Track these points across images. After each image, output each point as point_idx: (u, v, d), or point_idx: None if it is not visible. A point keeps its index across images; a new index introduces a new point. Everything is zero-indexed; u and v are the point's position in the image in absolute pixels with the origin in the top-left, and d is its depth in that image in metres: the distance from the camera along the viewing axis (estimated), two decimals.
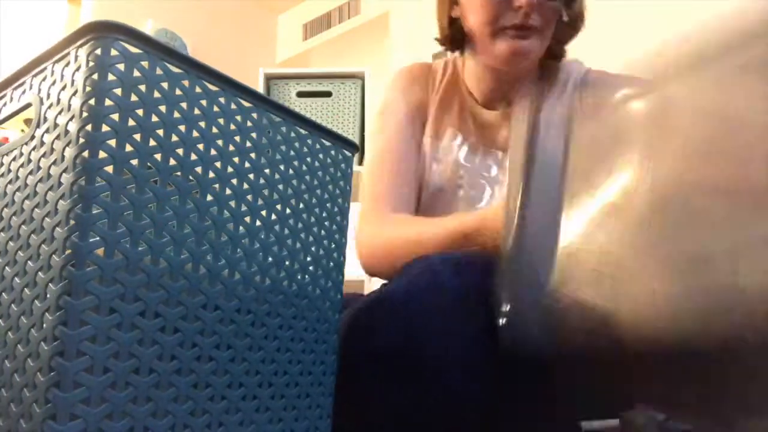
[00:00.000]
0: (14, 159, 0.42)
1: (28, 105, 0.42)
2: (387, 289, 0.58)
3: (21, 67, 0.44)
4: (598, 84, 0.86)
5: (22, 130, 0.66)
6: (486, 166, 0.86)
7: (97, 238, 0.36)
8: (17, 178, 0.41)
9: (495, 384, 0.50)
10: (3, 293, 0.39)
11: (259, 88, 1.94)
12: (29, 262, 0.38)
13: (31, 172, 0.40)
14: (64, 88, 0.39)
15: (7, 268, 0.40)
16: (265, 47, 3.33)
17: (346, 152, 0.57)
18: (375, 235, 0.82)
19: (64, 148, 0.37)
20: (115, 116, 0.37)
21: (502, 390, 0.50)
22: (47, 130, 0.40)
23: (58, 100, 0.39)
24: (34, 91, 0.42)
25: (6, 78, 0.45)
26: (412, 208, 0.87)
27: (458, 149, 0.87)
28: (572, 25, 0.83)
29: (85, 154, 0.36)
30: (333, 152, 0.55)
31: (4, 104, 0.46)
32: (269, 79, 1.97)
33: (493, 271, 0.52)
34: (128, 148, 0.38)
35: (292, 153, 0.50)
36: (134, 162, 0.38)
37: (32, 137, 0.41)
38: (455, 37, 0.88)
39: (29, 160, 0.41)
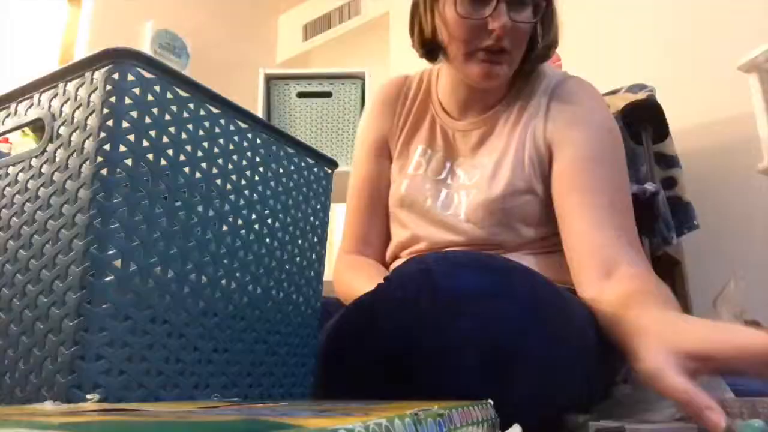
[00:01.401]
0: (23, 170, 0.44)
1: (38, 120, 0.45)
2: (379, 290, 0.60)
3: (28, 83, 0.46)
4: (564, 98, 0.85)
5: (24, 134, 0.66)
6: (453, 175, 0.89)
7: (114, 250, 0.39)
8: (27, 189, 0.44)
9: (489, 382, 0.52)
10: (14, 299, 0.42)
11: (260, 88, 1.93)
12: (44, 270, 0.40)
13: (43, 185, 0.43)
14: (79, 107, 0.42)
15: (18, 275, 0.42)
16: (265, 47, 3.30)
17: (327, 169, 0.61)
18: (336, 273, 0.93)
19: (80, 165, 0.40)
20: (131, 137, 0.41)
21: (494, 386, 0.52)
22: (61, 146, 0.42)
23: (73, 118, 0.42)
24: (44, 107, 0.45)
25: (10, 91, 0.47)
26: (377, 242, 0.95)
27: (426, 164, 0.91)
28: (545, 49, 0.84)
29: (104, 171, 0.39)
30: (315, 169, 0.60)
31: (8, 115, 0.48)
32: (269, 79, 1.96)
33: (487, 271, 0.56)
34: (142, 166, 0.41)
35: (281, 170, 0.54)
36: (147, 179, 0.42)
37: (43, 151, 0.43)
38: (429, 47, 0.88)
39: (40, 173, 0.43)
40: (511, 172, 0.82)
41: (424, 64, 0.96)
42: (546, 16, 0.82)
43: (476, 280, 0.55)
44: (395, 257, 0.93)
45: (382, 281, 0.61)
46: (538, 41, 0.82)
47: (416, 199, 0.89)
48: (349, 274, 0.90)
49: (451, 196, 0.87)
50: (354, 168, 0.99)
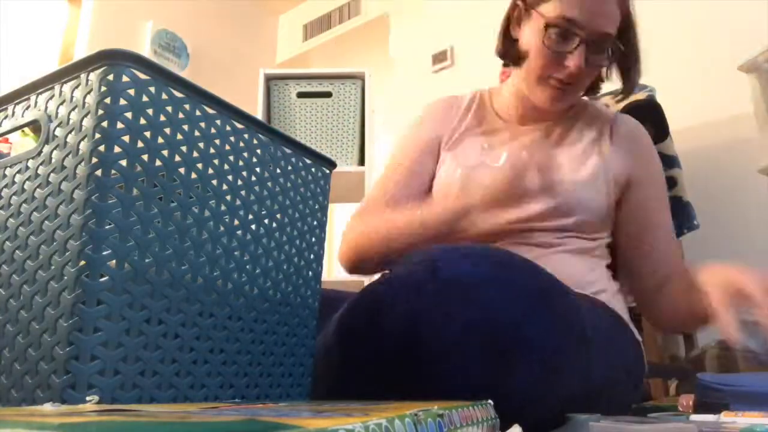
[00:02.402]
0: (19, 172, 0.44)
1: (35, 121, 0.45)
2: (385, 280, 0.61)
3: (24, 84, 0.46)
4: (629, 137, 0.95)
5: (23, 133, 0.66)
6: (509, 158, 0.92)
7: (109, 251, 0.39)
8: (23, 190, 0.44)
9: (490, 367, 0.53)
10: (11, 299, 0.42)
11: (260, 88, 1.93)
12: (39, 271, 0.40)
13: (39, 186, 0.43)
14: (74, 108, 0.42)
15: (14, 275, 0.42)
16: (265, 48, 3.31)
17: (325, 170, 0.61)
18: (358, 229, 0.92)
19: (76, 166, 0.40)
20: (126, 138, 0.41)
21: (495, 372, 0.53)
22: (56, 147, 0.42)
23: (68, 120, 0.42)
24: (41, 108, 0.45)
25: (7, 93, 0.47)
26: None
27: (485, 155, 0.93)
28: (627, 90, 0.95)
29: (98, 172, 0.39)
30: (313, 170, 0.60)
31: (5, 117, 0.48)
32: (269, 79, 1.96)
33: (489, 260, 0.57)
34: (137, 167, 0.41)
35: (278, 171, 0.54)
36: (142, 180, 0.42)
37: (39, 153, 0.43)
38: (511, 54, 0.94)
39: (37, 174, 0.43)
40: (579, 169, 0.88)
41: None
42: (627, 57, 0.90)
43: (478, 268, 0.56)
44: None
45: (389, 271, 0.61)
46: (603, 77, 0.92)
47: (469, 175, 0.90)
48: (386, 215, 0.90)
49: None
50: (397, 150, 1.00)
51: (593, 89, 0.95)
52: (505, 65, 0.98)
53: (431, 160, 0.98)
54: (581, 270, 0.85)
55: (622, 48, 0.87)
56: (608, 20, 0.84)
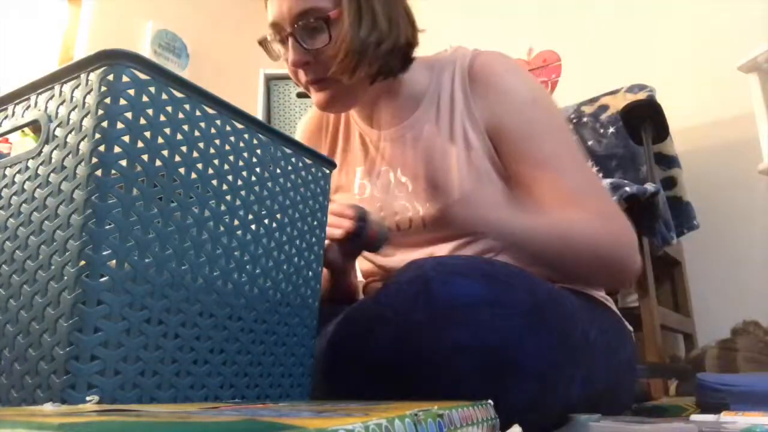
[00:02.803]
0: (19, 172, 0.44)
1: (35, 121, 0.45)
2: (377, 298, 0.60)
3: (24, 84, 0.46)
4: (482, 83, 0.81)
5: (23, 133, 0.66)
6: (400, 185, 0.86)
7: (109, 251, 0.39)
8: (23, 190, 0.44)
9: (485, 389, 0.51)
10: (11, 299, 0.42)
11: (260, 88, 1.93)
12: (39, 271, 0.40)
13: (39, 186, 0.43)
14: (74, 108, 0.42)
15: (14, 275, 0.42)
16: None
17: (325, 170, 0.61)
18: None
19: (76, 166, 0.40)
20: (126, 138, 0.41)
21: (491, 394, 0.52)
22: (57, 147, 0.42)
23: (68, 120, 0.42)
24: (41, 108, 0.45)
25: (8, 93, 0.47)
26: None
27: (371, 185, 0.88)
28: (390, 53, 0.77)
29: (98, 172, 0.39)
30: (313, 170, 0.60)
31: (5, 117, 0.48)
32: (269, 79, 1.96)
33: (484, 279, 0.56)
34: (137, 167, 0.41)
35: (278, 171, 0.54)
36: (142, 180, 0.42)
37: (39, 153, 0.43)
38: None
39: (37, 174, 0.43)
40: (459, 175, 0.79)
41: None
42: (362, 26, 0.75)
43: (472, 288, 0.55)
44: (367, 277, 0.93)
45: (382, 287, 0.61)
46: (367, 51, 0.75)
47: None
48: None
49: (406, 211, 0.83)
50: None
51: (385, 68, 0.78)
52: None
53: None
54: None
55: (332, 14, 0.73)
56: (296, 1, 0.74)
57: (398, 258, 0.85)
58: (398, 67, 0.80)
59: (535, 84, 0.83)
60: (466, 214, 0.78)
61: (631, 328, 0.85)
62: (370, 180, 0.88)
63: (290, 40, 0.75)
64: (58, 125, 0.43)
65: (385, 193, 0.86)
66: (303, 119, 0.99)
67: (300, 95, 1.94)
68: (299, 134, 0.98)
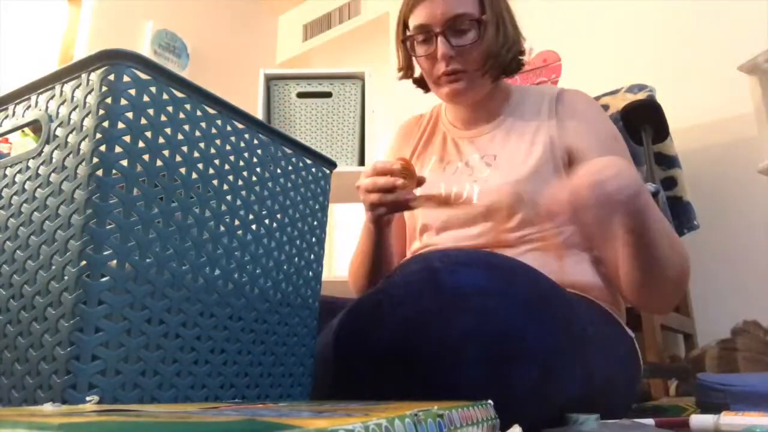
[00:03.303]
0: (20, 172, 0.44)
1: (36, 121, 0.45)
2: (384, 288, 0.61)
3: (25, 84, 0.46)
4: (569, 103, 0.94)
5: (23, 134, 0.66)
6: (469, 169, 0.94)
7: (110, 251, 0.39)
8: (24, 190, 0.44)
9: (490, 377, 0.53)
10: (12, 299, 0.42)
11: (260, 88, 1.92)
12: (40, 271, 0.40)
13: (40, 186, 0.43)
14: (75, 108, 0.42)
15: (15, 275, 0.42)
16: (265, 48, 3.31)
17: (325, 170, 0.61)
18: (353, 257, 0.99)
19: (76, 166, 0.40)
20: (127, 138, 0.41)
21: (495, 381, 0.53)
22: (57, 147, 0.42)
23: (69, 120, 0.42)
24: (41, 108, 0.45)
25: (8, 93, 0.47)
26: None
27: (442, 167, 0.98)
28: (511, 60, 0.93)
29: (99, 172, 0.39)
30: (314, 170, 0.60)
31: (6, 117, 0.48)
32: (269, 79, 1.95)
33: (489, 268, 0.57)
34: (137, 167, 0.41)
35: (278, 171, 0.54)
36: (143, 180, 0.42)
37: (40, 153, 0.43)
38: (417, 82, 1.02)
39: (37, 174, 0.43)
40: (522, 162, 0.87)
41: None
42: (499, 32, 0.91)
43: (478, 277, 0.56)
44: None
45: (388, 278, 0.61)
46: (500, 53, 0.91)
47: (430, 192, 0.91)
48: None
49: (465, 183, 0.91)
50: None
51: (506, 69, 0.94)
52: (424, 90, 1.02)
53: None
54: (546, 268, 0.81)
55: (485, 17, 0.89)
56: (452, 5, 0.88)
57: (447, 236, 0.90)
58: (515, 69, 0.95)
59: (611, 122, 0.96)
60: (518, 198, 0.85)
61: (632, 334, 0.85)
62: (440, 166, 0.98)
63: (440, 38, 0.89)
64: (59, 125, 0.43)
65: (452, 174, 0.95)
66: (403, 123, 1.13)
67: (300, 95, 1.93)
68: (399, 129, 1.11)
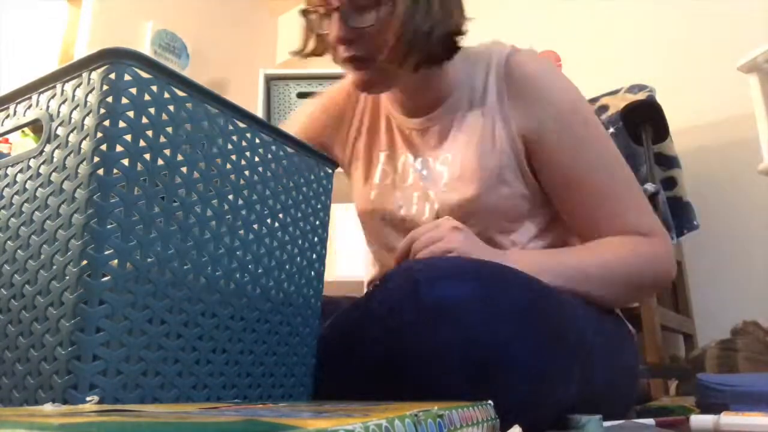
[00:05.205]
0: (21, 171, 0.44)
1: (36, 120, 0.44)
2: (367, 300, 0.60)
3: (26, 83, 0.46)
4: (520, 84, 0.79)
5: (23, 134, 0.66)
6: (422, 178, 0.85)
7: (111, 251, 0.39)
8: (25, 190, 0.43)
9: (475, 390, 0.51)
10: (12, 299, 0.42)
11: (259, 89, 1.92)
12: (41, 271, 0.40)
13: (41, 185, 0.42)
14: (76, 107, 0.42)
15: (16, 275, 0.42)
16: (265, 48, 3.31)
17: (328, 169, 0.61)
18: None
19: (77, 165, 0.40)
20: (128, 137, 0.41)
21: (481, 394, 0.53)
22: (58, 146, 0.42)
23: (70, 119, 0.42)
24: (42, 108, 0.44)
25: (10, 92, 0.47)
26: None
27: (393, 172, 0.88)
28: (439, 38, 0.74)
29: (100, 172, 0.39)
30: (316, 169, 0.59)
31: (7, 116, 0.48)
32: (269, 80, 1.95)
33: (472, 279, 0.55)
34: (139, 166, 0.41)
35: (280, 170, 0.54)
36: (144, 179, 0.41)
37: (41, 152, 0.43)
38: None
39: (38, 174, 0.43)
40: (481, 169, 0.77)
41: None
42: (416, 10, 0.71)
43: (461, 288, 0.54)
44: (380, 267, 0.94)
45: (373, 288, 0.61)
46: (417, 37, 0.72)
47: (387, 210, 0.86)
48: None
49: (424, 201, 0.83)
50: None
51: (431, 57, 0.75)
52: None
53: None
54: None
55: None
56: None
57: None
58: (444, 56, 0.77)
59: (573, 88, 0.81)
60: (481, 212, 0.77)
61: (633, 330, 0.85)
62: (392, 166, 0.87)
63: (334, 16, 0.72)
64: (60, 124, 0.43)
65: (404, 182, 0.85)
66: (331, 87, 0.97)
67: (300, 95, 1.93)
68: (321, 98, 0.96)
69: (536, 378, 0.55)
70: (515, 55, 0.81)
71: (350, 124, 0.93)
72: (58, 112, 0.43)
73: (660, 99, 1.73)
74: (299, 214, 0.56)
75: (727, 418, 0.60)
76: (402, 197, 0.85)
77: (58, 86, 0.44)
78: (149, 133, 0.42)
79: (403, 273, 0.58)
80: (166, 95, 0.44)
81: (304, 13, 0.77)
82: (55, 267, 0.40)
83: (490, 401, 0.44)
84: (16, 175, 0.45)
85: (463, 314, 0.53)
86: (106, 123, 0.40)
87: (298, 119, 0.99)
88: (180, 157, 0.44)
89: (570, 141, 0.77)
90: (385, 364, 0.54)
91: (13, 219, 0.44)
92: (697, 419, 0.63)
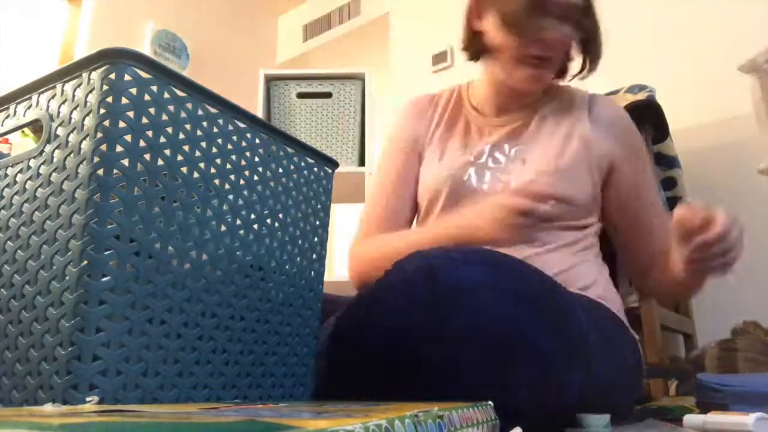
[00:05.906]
0: (21, 171, 0.44)
1: (37, 120, 0.44)
2: (382, 284, 0.61)
3: (26, 84, 0.46)
4: (605, 109, 0.96)
5: (23, 134, 0.66)
6: (494, 160, 0.92)
7: (111, 251, 0.39)
8: (25, 190, 0.43)
9: (487, 371, 0.54)
10: (12, 299, 0.42)
11: (259, 89, 1.92)
12: (41, 271, 0.40)
13: (41, 185, 0.42)
14: (76, 107, 0.42)
15: (16, 275, 0.42)
16: (265, 48, 3.31)
17: (328, 169, 0.61)
18: (361, 255, 0.93)
19: (77, 165, 0.40)
20: (128, 137, 0.41)
21: (493, 376, 0.54)
22: (58, 146, 0.42)
23: (70, 119, 0.42)
24: (42, 108, 0.44)
25: (10, 92, 0.47)
26: (405, 226, 0.99)
27: (465, 150, 0.95)
28: (593, 63, 0.96)
29: (100, 172, 0.39)
30: (316, 169, 0.59)
31: (7, 116, 0.48)
32: (269, 80, 1.95)
33: (486, 265, 0.57)
34: (139, 166, 0.41)
35: (280, 170, 0.54)
36: (144, 179, 0.41)
37: (41, 152, 0.43)
38: (475, 48, 0.96)
39: (38, 174, 0.43)
40: (569, 158, 0.87)
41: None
42: (589, 32, 0.91)
43: (475, 273, 0.56)
44: None
45: (384, 275, 0.61)
46: (571, 54, 0.92)
47: (456, 176, 0.90)
48: (379, 241, 0.93)
49: (495, 177, 0.89)
50: (382, 161, 1.02)
51: (563, 72, 0.95)
52: (471, 59, 0.98)
53: (414, 166, 1.00)
54: (565, 266, 0.83)
55: (585, 21, 0.90)
56: None
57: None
58: (566, 72, 0.96)
59: (394, 123, 0.99)
60: (553, 184, 0.85)
61: (636, 336, 0.86)
62: (468, 151, 0.94)
63: (555, 20, 0.86)
64: (60, 124, 0.43)
65: (479, 159, 0.92)
66: (414, 98, 1.07)
67: (300, 95, 1.93)
68: (409, 105, 1.05)
69: (544, 360, 0.56)
70: (597, 96, 0.99)
71: (431, 119, 1.02)
72: (58, 113, 0.43)
73: (660, 99, 1.73)
74: (299, 214, 0.56)
75: (712, 417, 0.61)
76: (475, 173, 0.91)
77: (58, 86, 0.44)
78: (149, 133, 0.42)
79: (419, 258, 0.59)
80: (166, 95, 0.44)
81: (535, 8, 0.86)
82: (55, 267, 0.40)
83: (490, 402, 0.44)
84: (16, 175, 0.45)
85: (477, 298, 0.55)
86: (106, 123, 0.40)
87: (399, 126, 1.05)
88: (180, 157, 0.44)
89: (644, 172, 0.95)
90: (398, 351, 0.55)
91: (13, 219, 0.44)
92: (689, 418, 0.64)
